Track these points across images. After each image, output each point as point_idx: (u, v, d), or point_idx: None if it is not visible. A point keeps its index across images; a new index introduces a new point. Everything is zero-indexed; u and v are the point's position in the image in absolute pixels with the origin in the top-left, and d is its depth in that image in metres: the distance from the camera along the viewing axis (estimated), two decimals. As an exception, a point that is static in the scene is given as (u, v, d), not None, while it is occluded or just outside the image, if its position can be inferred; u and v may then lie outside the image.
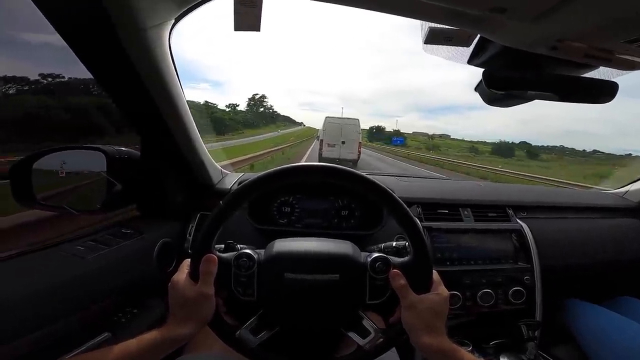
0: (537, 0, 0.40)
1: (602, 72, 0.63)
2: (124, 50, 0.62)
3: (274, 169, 0.60)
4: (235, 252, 0.62)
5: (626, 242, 1.24)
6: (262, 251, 0.64)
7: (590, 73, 0.63)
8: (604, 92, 0.58)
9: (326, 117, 14.89)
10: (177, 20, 0.68)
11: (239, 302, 0.61)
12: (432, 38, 0.64)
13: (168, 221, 1.00)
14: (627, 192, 1.42)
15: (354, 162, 13.76)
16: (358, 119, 15.23)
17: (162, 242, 0.91)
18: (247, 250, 0.62)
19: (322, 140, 14.66)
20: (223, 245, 0.68)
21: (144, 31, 0.62)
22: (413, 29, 0.65)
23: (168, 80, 0.75)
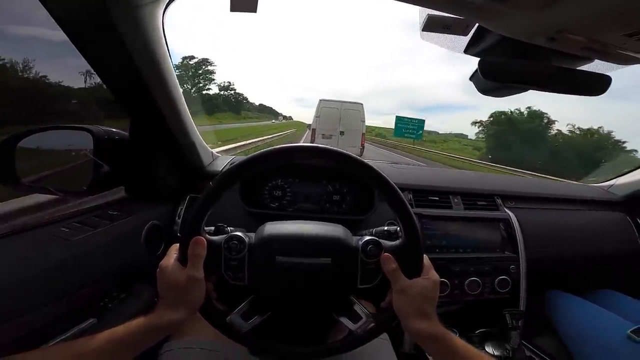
0: None
1: (595, 66, 0.63)
2: (116, 28, 0.59)
3: (266, 149, 0.59)
4: (225, 235, 0.61)
5: (609, 235, 1.29)
6: (252, 234, 0.63)
7: (584, 66, 0.64)
8: (597, 85, 0.58)
9: (320, 100, 10.91)
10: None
11: (229, 287, 0.61)
12: (430, 25, 0.63)
13: (157, 204, 0.98)
14: (612, 185, 1.47)
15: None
16: (362, 104, 11.01)
17: (150, 224, 0.89)
18: (238, 233, 0.61)
19: (314, 130, 10.89)
20: (213, 228, 0.67)
21: (137, 8, 0.60)
22: (408, 27, 0.64)
23: (160, 60, 0.73)
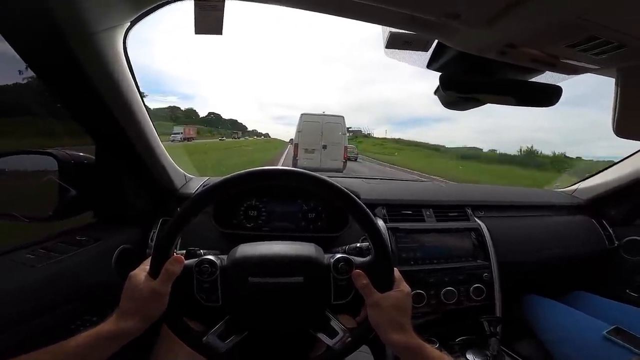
0: (486, 7, 0.42)
1: (549, 77, 0.67)
2: (72, 54, 0.59)
3: (238, 173, 0.59)
4: (197, 259, 0.61)
5: (576, 238, 1.33)
6: (225, 256, 0.63)
7: (538, 78, 0.68)
8: (550, 95, 0.62)
9: (302, 115, 10.73)
10: (133, 23, 0.66)
11: (204, 308, 0.60)
12: (393, 42, 0.66)
13: (128, 227, 0.96)
14: (576, 190, 1.53)
15: (339, 172, 9.46)
16: (342, 117, 10.96)
17: (121, 248, 0.87)
18: (209, 257, 0.61)
19: (297, 145, 10.63)
20: (184, 252, 0.67)
21: (95, 35, 0.60)
22: (380, 44, 0.67)
23: (123, 85, 0.72)
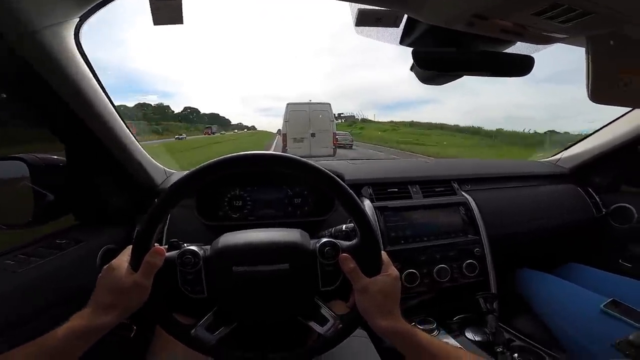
0: None
1: (522, 49, 0.66)
2: (16, 54, 0.57)
3: (216, 159, 0.57)
4: (179, 250, 0.60)
5: (562, 206, 1.34)
6: (208, 247, 0.62)
7: (511, 49, 0.67)
8: (522, 65, 0.61)
9: (288, 104, 10.80)
10: (83, 19, 0.63)
11: (191, 301, 0.59)
12: (362, 20, 0.64)
13: (111, 227, 0.94)
14: (560, 159, 1.54)
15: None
16: (329, 103, 11.16)
17: (105, 248, 0.86)
18: (192, 247, 0.60)
19: (284, 135, 10.76)
20: (167, 246, 0.65)
21: (38, 33, 0.57)
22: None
23: (83, 83, 0.70)
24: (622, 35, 0.53)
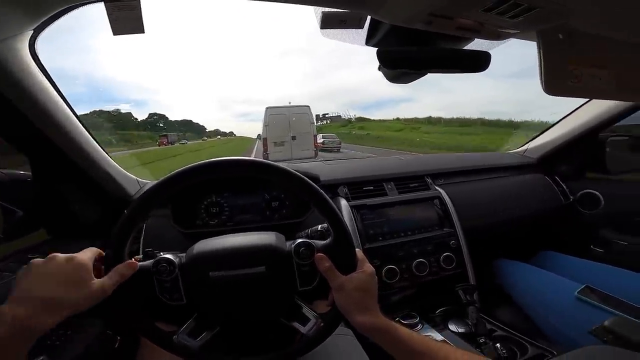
0: None
1: (480, 45, 0.69)
2: None
3: (183, 168, 0.57)
4: (153, 259, 0.59)
5: (532, 196, 1.39)
6: (183, 255, 0.62)
7: (470, 45, 0.70)
8: (479, 61, 0.63)
9: (267, 109, 10.71)
10: (37, 31, 0.62)
11: (171, 308, 0.59)
12: (327, 22, 0.65)
13: (85, 240, 0.91)
14: (526, 150, 1.60)
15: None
16: (308, 106, 11.32)
17: None
18: (166, 255, 0.60)
19: (265, 139, 10.68)
20: (141, 255, 0.65)
21: None
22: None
23: (40, 94, 0.69)
24: (570, 29, 0.56)
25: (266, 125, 10.65)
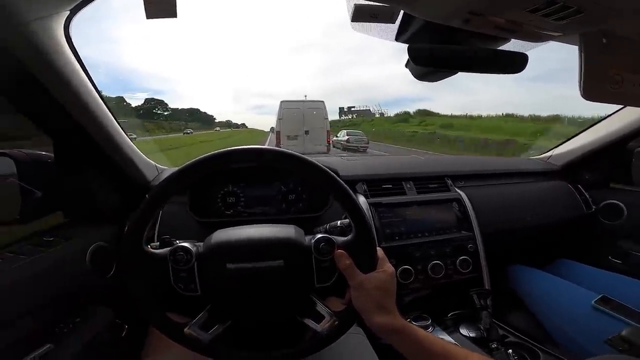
0: None
1: (513, 46, 0.66)
2: (1, 45, 0.56)
3: (207, 155, 0.57)
4: (171, 247, 0.59)
5: (554, 204, 1.36)
6: (201, 244, 0.61)
7: (506, 46, 0.67)
8: (515, 63, 0.61)
9: (282, 102, 11.00)
10: (74, 12, 0.62)
11: (185, 299, 0.59)
12: (358, 15, 0.64)
13: (102, 224, 0.93)
14: (550, 156, 1.56)
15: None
16: (323, 101, 11.49)
17: (95, 246, 0.84)
18: (184, 244, 0.59)
19: (278, 132, 10.83)
20: (158, 243, 0.65)
21: (25, 25, 0.55)
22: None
23: (72, 76, 0.69)
24: (614, 33, 0.53)
25: (280, 119, 10.87)
